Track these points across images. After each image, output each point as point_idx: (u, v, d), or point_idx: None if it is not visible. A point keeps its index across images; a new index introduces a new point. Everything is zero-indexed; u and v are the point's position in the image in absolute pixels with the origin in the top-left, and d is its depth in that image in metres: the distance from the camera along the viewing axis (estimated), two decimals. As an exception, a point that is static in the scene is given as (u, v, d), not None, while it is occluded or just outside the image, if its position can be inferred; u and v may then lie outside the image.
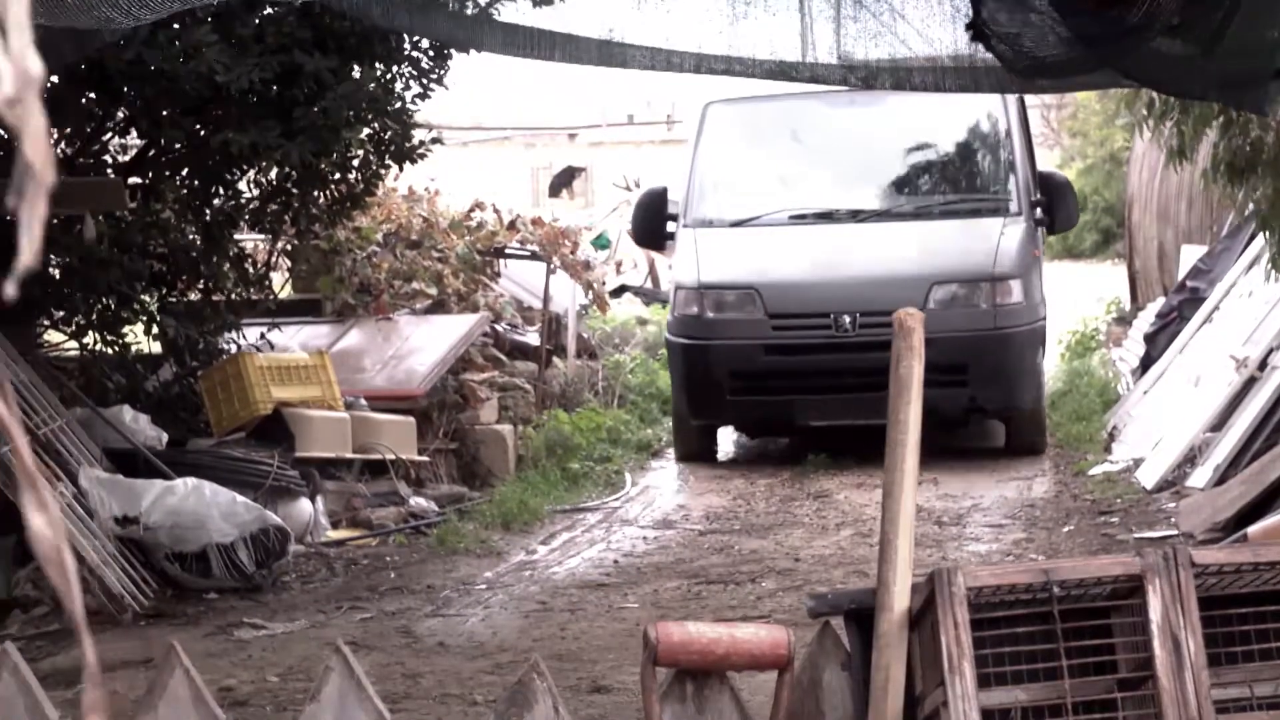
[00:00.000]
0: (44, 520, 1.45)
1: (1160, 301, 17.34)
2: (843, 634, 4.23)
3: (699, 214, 14.96)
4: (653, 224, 15.23)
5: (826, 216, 14.82)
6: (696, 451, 14.85)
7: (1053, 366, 19.55)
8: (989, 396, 13.95)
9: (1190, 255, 17.52)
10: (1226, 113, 9.68)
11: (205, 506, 10.12)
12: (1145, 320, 17.10)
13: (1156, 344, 15.61)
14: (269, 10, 11.42)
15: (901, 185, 15.17)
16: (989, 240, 14.20)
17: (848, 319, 13.77)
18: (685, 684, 4.19)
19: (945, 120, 15.13)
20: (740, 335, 14.00)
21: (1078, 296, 22.78)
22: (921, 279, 13.83)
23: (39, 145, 1.39)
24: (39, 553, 1.45)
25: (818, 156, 15.37)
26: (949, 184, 15.28)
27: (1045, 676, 3.91)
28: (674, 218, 15.11)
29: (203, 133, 11.79)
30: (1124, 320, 20.01)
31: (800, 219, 14.83)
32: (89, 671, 1.49)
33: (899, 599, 3.97)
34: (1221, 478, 11.26)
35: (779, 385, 13.94)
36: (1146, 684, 3.86)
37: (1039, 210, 14.75)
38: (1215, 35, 6.15)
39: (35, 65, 1.38)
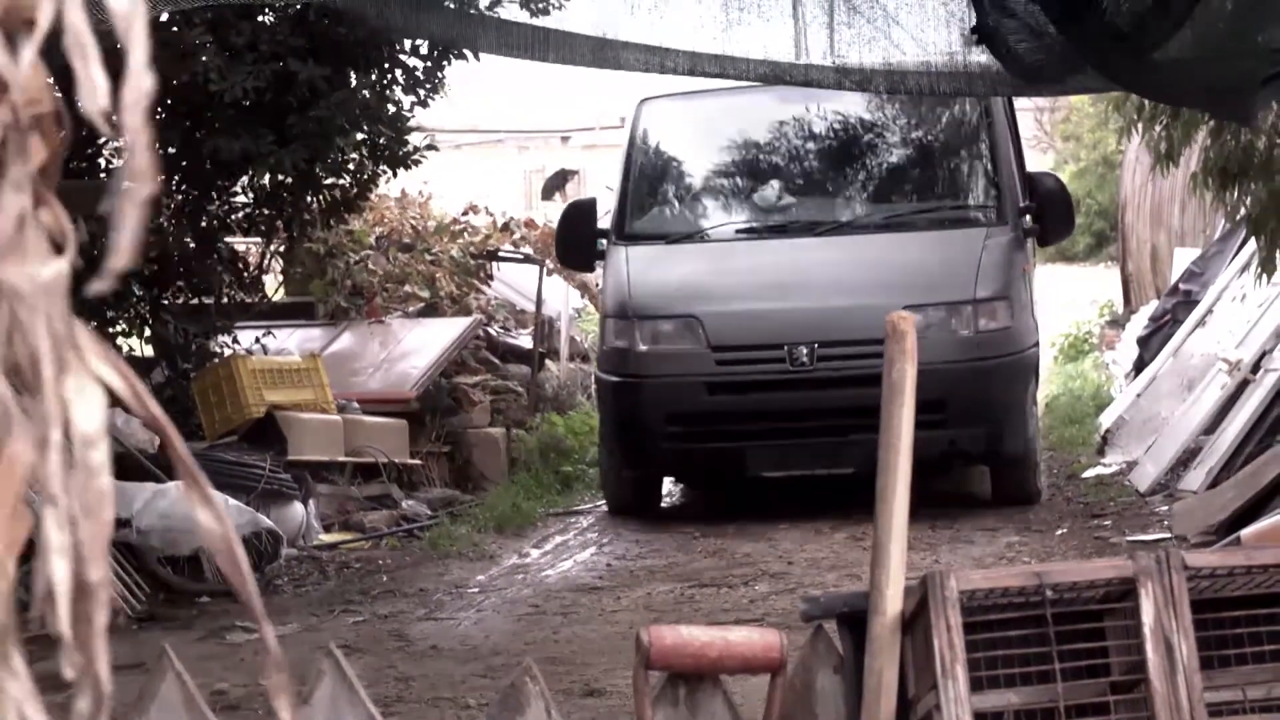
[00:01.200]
0: (210, 515, 1.55)
1: (1153, 304, 17.36)
2: (836, 637, 4.23)
3: (631, 228, 12.88)
4: (579, 241, 12.93)
5: (780, 230, 12.75)
6: (631, 502, 12.75)
7: (1046, 370, 19.57)
8: (971, 438, 11.90)
9: (1183, 258, 17.53)
10: (1217, 118, 9.69)
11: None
12: (1138, 323, 17.11)
13: (1149, 347, 15.62)
14: (263, 18, 11.42)
15: (868, 193, 13.11)
16: (970, 255, 12.21)
17: (804, 351, 11.82)
18: (678, 687, 4.18)
19: (918, 116, 13.25)
20: (679, 371, 11.96)
21: (1071, 299, 22.80)
22: (889, 302, 11.40)
23: (146, 155, 1.47)
24: (208, 545, 1.54)
25: (772, 160, 13.25)
26: (923, 190, 13.18)
27: (1038, 680, 3.91)
28: (605, 234, 12.98)
29: (197, 139, 11.78)
30: (1117, 323, 20.04)
31: (750, 233, 12.81)
32: (273, 657, 1.57)
33: (892, 602, 3.97)
34: (1215, 481, 11.26)
35: (725, 430, 11.89)
36: (1139, 687, 3.86)
37: (1028, 219, 12.71)
38: (1156, 42, 6.16)
39: (149, 80, 1.46)
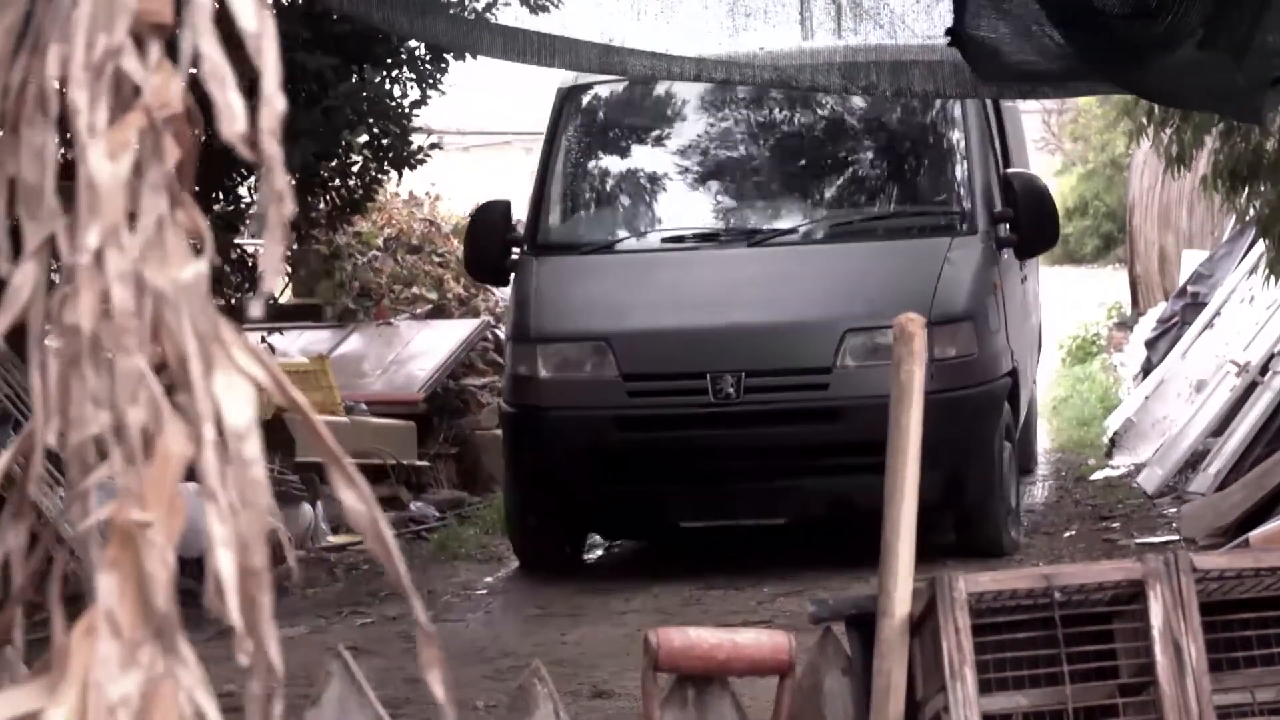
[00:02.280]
0: (355, 496, 1.58)
1: (1161, 307, 17.34)
2: (844, 640, 4.23)
3: (546, 237, 11.15)
4: (489, 250, 11.09)
5: (712, 239, 11.01)
6: (540, 554, 10.94)
7: (1053, 371, 19.57)
8: (925, 483, 9.61)
9: (1191, 260, 17.51)
10: (1227, 119, 9.68)
11: (205, 512, 10.11)
12: (1146, 325, 17.09)
13: (1157, 349, 15.61)
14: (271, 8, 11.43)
15: (816, 197, 11.31)
16: (928, 269, 10.37)
17: (730, 380, 10.05)
18: (686, 690, 4.18)
19: (874, 109, 11.35)
20: (586, 403, 10.24)
21: (1079, 301, 22.79)
22: (830, 324, 10.14)
23: (282, 178, 1.54)
24: (355, 527, 1.58)
25: (707, 159, 11.48)
26: (879, 194, 11.42)
27: (1046, 682, 3.91)
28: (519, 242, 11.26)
29: (202, 136, 11.78)
30: (1125, 325, 20.02)
31: (678, 243, 11.00)
32: (424, 631, 1.65)
33: (900, 604, 3.97)
34: (1223, 483, 11.25)
35: (638, 472, 10.18)
36: (1148, 690, 3.86)
37: (1003, 226, 10.88)
38: (1242, 43, 6.15)
39: (282, 103, 1.55)
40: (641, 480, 10.19)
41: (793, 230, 10.99)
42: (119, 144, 1.50)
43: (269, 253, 1.52)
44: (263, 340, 13.88)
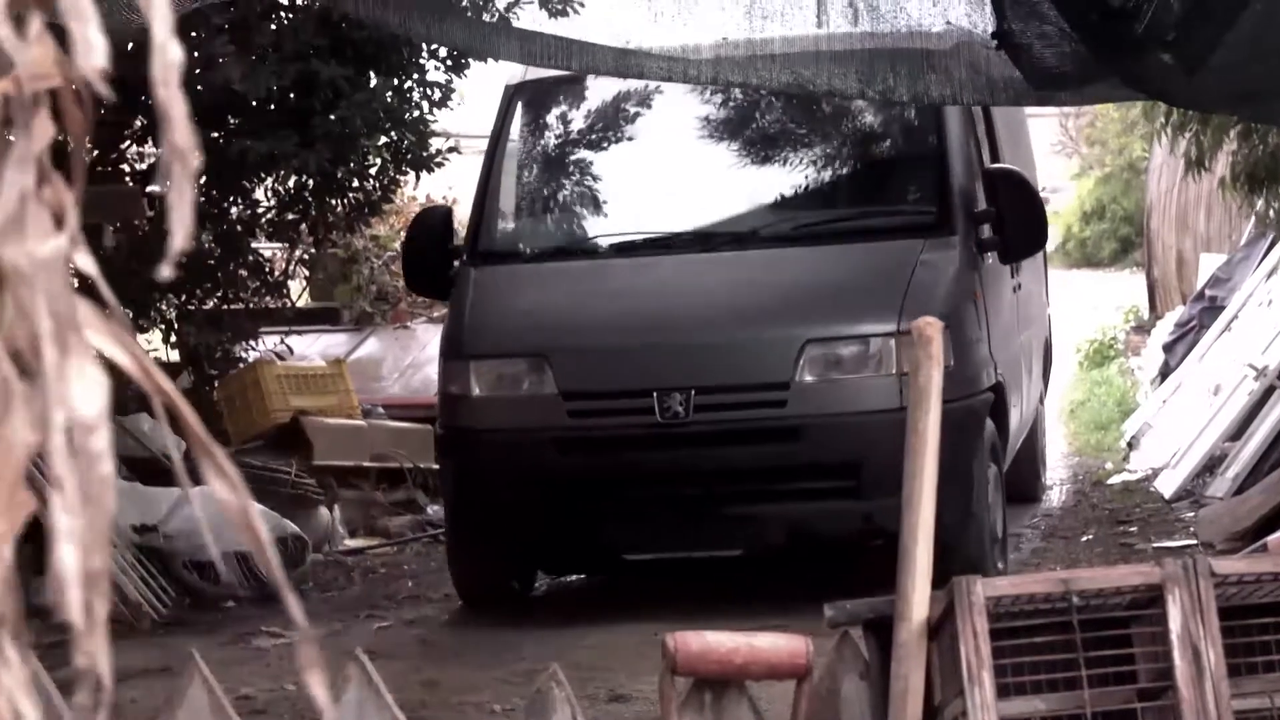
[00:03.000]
0: (226, 485, 1.51)
1: (1179, 310, 17.32)
2: (862, 644, 4.23)
3: (486, 245, 10.20)
4: (429, 260, 10.20)
5: (663, 245, 10.00)
6: (481, 587, 10.03)
7: (1071, 375, 19.55)
8: (891, 512, 7.70)
9: (1209, 264, 17.49)
10: (1245, 121, 9.67)
11: (223, 515, 10.12)
12: (1164, 329, 17.07)
13: (1175, 353, 15.59)
14: (286, 18, 11.47)
15: (777, 197, 10.22)
16: (897, 274, 9.43)
17: (678, 398, 9.14)
18: (703, 693, 4.18)
19: (844, 105, 10.32)
20: (522, 424, 9.36)
21: (1096, 305, 22.77)
22: (788, 335, 9.21)
23: (184, 130, 1.43)
24: (229, 521, 1.51)
25: (662, 158, 10.52)
26: (846, 193, 10.45)
27: (1064, 686, 3.90)
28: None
29: (220, 141, 11.83)
30: (1142, 329, 20.00)
31: (625, 249, 10.06)
32: (302, 631, 1.52)
33: (918, 609, 3.96)
34: (1241, 487, 11.24)
35: (579, 500, 9.31)
36: (1166, 694, 3.85)
37: (984, 228, 9.87)
38: (1199, 54, 6.15)
39: (177, 51, 1.42)
40: (582, 508, 9.29)
41: (751, 233, 9.96)
42: None
43: (177, 210, 1.42)
44: (280, 342, 13.91)
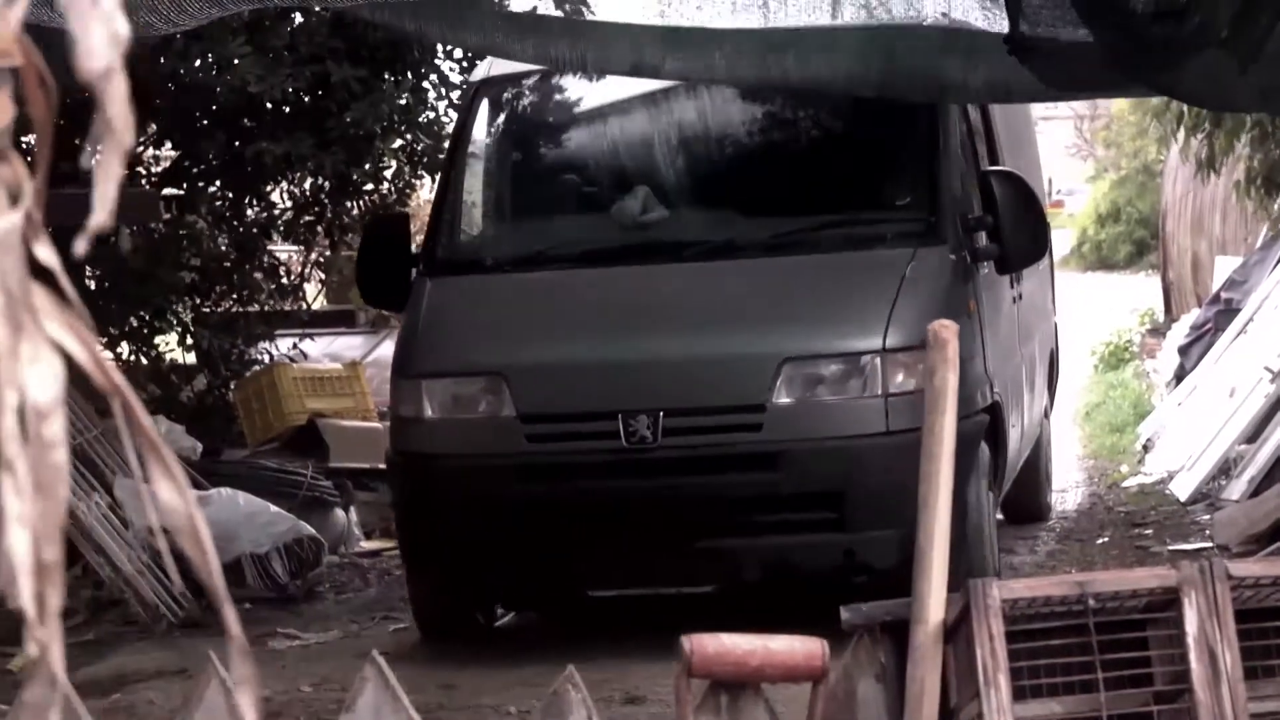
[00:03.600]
0: (172, 489, 1.44)
1: (1194, 313, 17.31)
2: (878, 646, 4.23)
3: (442, 253, 9.48)
4: (385, 270, 9.51)
5: (635, 254, 9.20)
6: (442, 620, 9.25)
7: (1086, 378, 19.54)
8: (878, 547, 8.28)
9: (1225, 267, 17.48)
10: (1260, 125, 9.67)
11: (239, 517, 10.15)
12: (1179, 332, 17.06)
13: (1190, 356, 15.58)
14: (301, 20, 11.50)
15: (757, 203, 9.46)
16: (883, 286, 8.69)
17: (646, 421, 8.44)
18: (719, 696, 4.19)
19: (825, 99, 9.57)
20: (478, 449, 8.66)
21: (1111, 308, 22.76)
22: (765, 353, 8.49)
23: (121, 108, 1.39)
24: (169, 524, 1.45)
25: (632, 161, 9.70)
26: (829, 198, 9.44)
27: (1081, 689, 3.90)
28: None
29: (236, 144, 11.86)
30: (1158, 332, 20.00)
31: (594, 258, 9.29)
32: (237, 644, 1.50)
33: (934, 611, 3.97)
34: (1256, 490, 11.23)
35: (540, 530, 8.52)
36: (1183, 697, 3.85)
37: (980, 235, 9.19)
38: (1256, 46, 6.14)
39: (123, 27, 1.39)
40: (542, 540, 8.53)
41: (726, 242, 9.16)
42: None
43: (100, 186, 1.37)
44: (294, 346, 13.94)
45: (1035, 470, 11.73)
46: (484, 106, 9.90)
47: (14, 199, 1.40)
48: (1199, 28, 6.18)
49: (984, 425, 8.97)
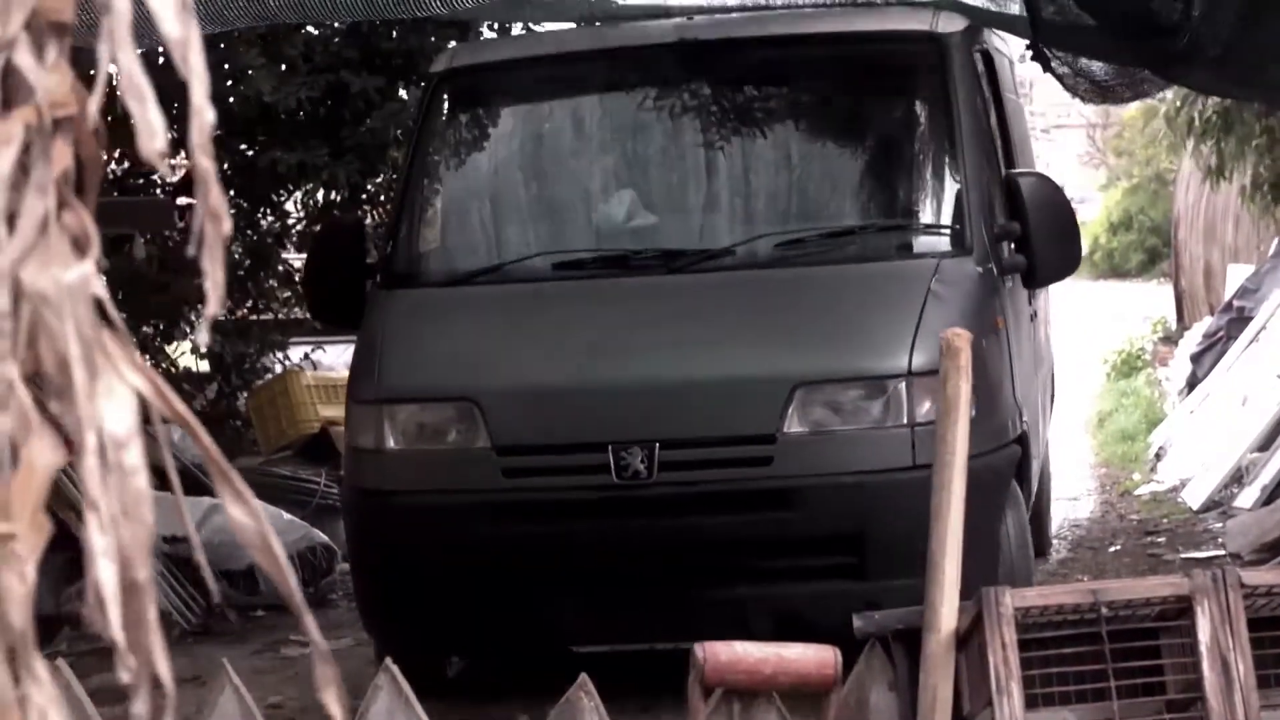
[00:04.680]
0: (243, 511, 1.53)
1: (1207, 321, 17.29)
2: (890, 654, 4.24)
3: (403, 263, 8.45)
4: (335, 283, 8.48)
5: (618, 265, 8.26)
6: (410, 673, 6.29)
7: (1098, 386, 19.53)
8: (902, 596, 6.48)
9: (1237, 275, 17.46)
10: (1270, 132, 9.67)
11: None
12: (1191, 340, 17.04)
13: (1203, 364, 15.56)
14: (315, 30, 11.54)
15: (755, 207, 8.54)
16: (906, 302, 7.67)
17: (640, 454, 7.41)
18: (732, 704, 4.20)
19: (835, 90, 8.79)
20: (447, 485, 7.63)
21: (1123, 315, 22.75)
22: (775, 377, 7.47)
23: (215, 194, 1.46)
24: (244, 542, 1.53)
25: (616, 160, 8.79)
26: (841, 203, 8.60)
27: (1094, 697, 3.91)
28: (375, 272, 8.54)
29: (250, 153, 11.89)
30: (1170, 340, 19.98)
31: (571, 270, 8.29)
32: (319, 651, 1.56)
33: (946, 619, 3.98)
34: (1269, 498, 11.22)
35: (517, 579, 7.53)
36: (1195, 705, 3.86)
37: (1008, 246, 8.18)
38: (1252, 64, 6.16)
39: (211, 115, 1.46)
40: (520, 590, 7.53)
41: (726, 251, 8.20)
42: (1, 140, 1.44)
43: (211, 274, 1.44)
44: (305, 357, 13.96)
45: (1040, 500, 10.36)
46: (445, 100, 8.81)
47: (80, 248, 1.47)
48: (1191, 43, 6.19)
49: (1017, 458, 8.03)
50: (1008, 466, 7.86)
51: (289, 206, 13.04)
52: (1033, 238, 7.99)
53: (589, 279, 8.20)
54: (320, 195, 12.69)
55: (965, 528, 6.48)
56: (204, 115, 1.46)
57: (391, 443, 7.71)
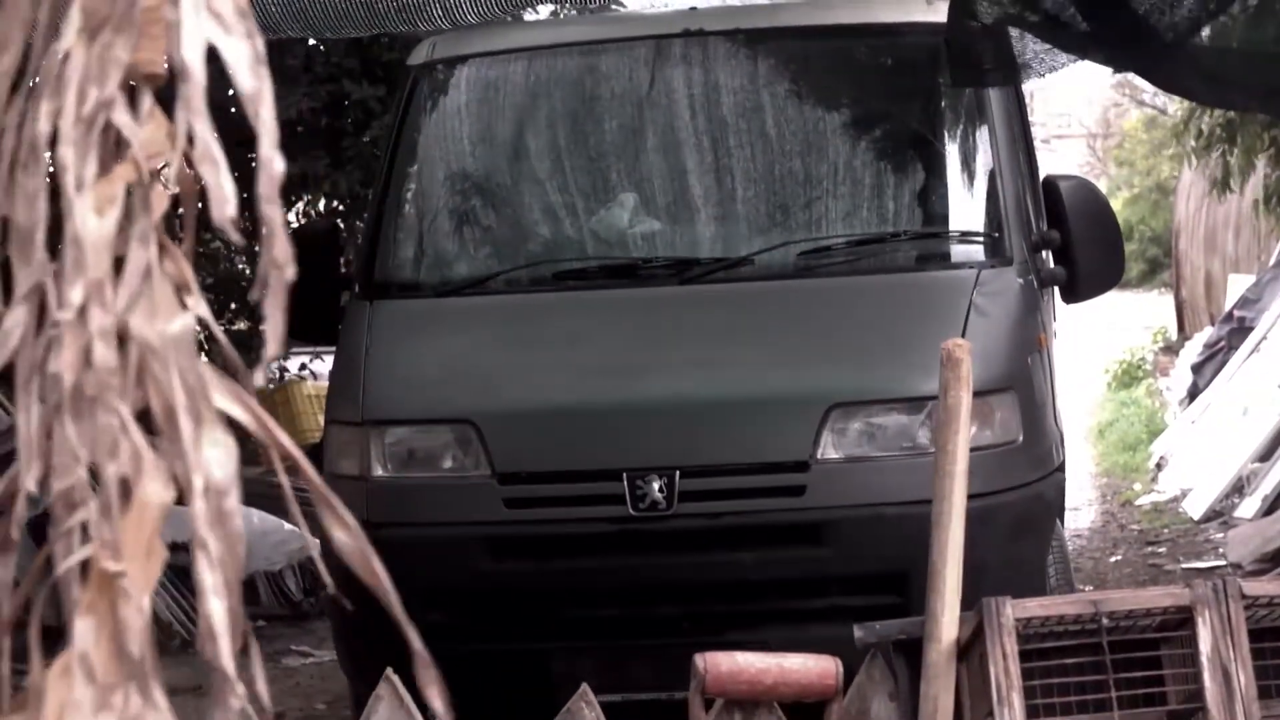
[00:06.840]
0: (345, 534, 1.65)
1: (1207, 331, 17.30)
2: (891, 664, 4.24)
3: (386, 274, 7.65)
4: (308, 293, 6.64)
5: (625, 275, 7.49)
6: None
7: (1099, 396, 19.53)
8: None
9: (1238, 285, 17.47)
10: (1277, 143, 9.67)
11: (253, 534, 10.17)
12: (1192, 350, 17.05)
13: (1203, 374, 15.57)
14: (316, 40, 11.56)
15: (777, 214, 7.64)
16: (947, 316, 6.96)
17: (658, 484, 6.65)
18: (733, 714, 4.20)
19: (862, 89, 8.06)
20: (442, 517, 6.87)
21: (1124, 325, 22.75)
22: (807, 397, 6.76)
23: (281, 243, 1.53)
24: (349, 563, 1.66)
25: (620, 160, 7.88)
26: (868, 209, 7.66)
27: (1095, 708, 3.91)
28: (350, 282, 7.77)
29: (252, 162, 11.92)
30: (1171, 350, 19.98)
31: (572, 279, 7.51)
32: (420, 659, 1.70)
33: (947, 629, 3.98)
34: (1270, 508, 11.22)
35: (519, 620, 6.79)
36: (1196, 716, 3.86)
37: (1047, 257, 7.58)
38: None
39: (280, 165, 1.56)
40: (524, 633, 6.77)
41: (746, 260, 7.40)
42: (106, 199, 1.50)
43: (271, 320, 1.50)
44: (302, 367, 13.97)
45: None
46: (426, 96, 8.02)
47: (181, 298, 1.54)
48: (1176, 39, 6.20)
49: (1062, 487, 7.41)
50: (1057, 495, 7.27)
51: (291, 216, 13.05)
52: (1074, 246, 7.32)
53: (595, 289, 7.45)
54: (322, 205, 12.71)
55: (1015, 565, 6.40)
56: (273, 165, 1.53)
57: (378, 470, 6.93)
